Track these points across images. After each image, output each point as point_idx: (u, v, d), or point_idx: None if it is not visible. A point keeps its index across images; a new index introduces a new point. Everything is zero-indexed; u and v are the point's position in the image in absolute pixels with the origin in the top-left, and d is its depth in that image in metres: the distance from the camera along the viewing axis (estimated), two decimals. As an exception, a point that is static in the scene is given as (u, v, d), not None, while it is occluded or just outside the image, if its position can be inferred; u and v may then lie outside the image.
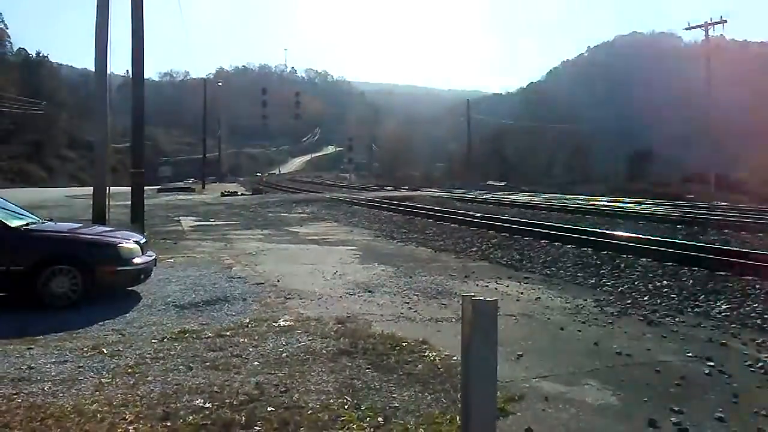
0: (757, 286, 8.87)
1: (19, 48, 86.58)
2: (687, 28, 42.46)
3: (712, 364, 5.41)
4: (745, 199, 38.23)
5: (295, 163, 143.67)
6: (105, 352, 5.61)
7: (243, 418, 4.07)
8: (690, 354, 5.73)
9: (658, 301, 8.32)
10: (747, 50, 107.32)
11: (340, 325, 6.59)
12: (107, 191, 13.97)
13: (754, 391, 4.79)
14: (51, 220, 10.35)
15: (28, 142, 72.15)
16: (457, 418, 3.77)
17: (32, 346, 5.78)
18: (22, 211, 8.87)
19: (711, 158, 40.11)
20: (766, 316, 7.31)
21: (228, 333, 6.30)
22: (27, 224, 8.29)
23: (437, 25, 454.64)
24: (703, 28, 40.62)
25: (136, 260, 8.26)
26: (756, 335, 6.50)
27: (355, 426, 3.99)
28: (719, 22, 39.96)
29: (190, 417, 4.09)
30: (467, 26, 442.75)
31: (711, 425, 4.13)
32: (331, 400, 4.42)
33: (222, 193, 43.71)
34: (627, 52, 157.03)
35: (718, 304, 8.05)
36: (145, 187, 17.50)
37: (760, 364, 5.43)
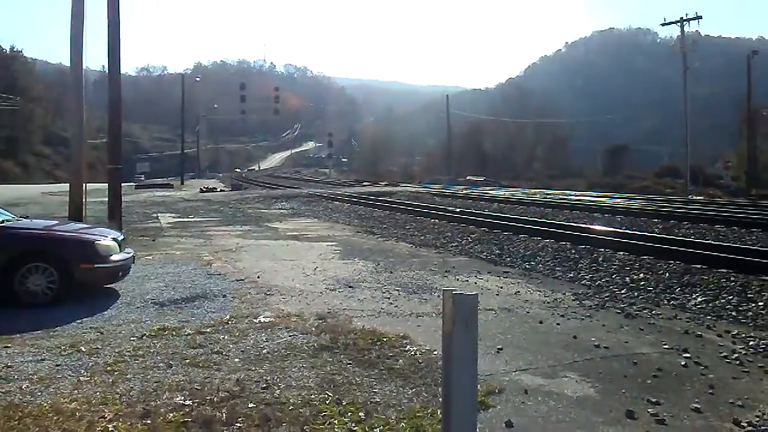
0: (732, 279, 9.01)
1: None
2: (663, 24, 42.91)
3: (688, 355, 5.49)
4: (719, 193, 38.82)
5: (275, 159, 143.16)
6: (83, 350, 5.55)
7: (224, 414, 4.06)
8: (666, 346, 5.81)
9: (635, 294, 8.42)
10: (722, 46, 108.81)
11: (320, 321, 6.59)
12: (84, 188, 13.80)
13: (729, 382, 4.87)
14: (26, 217, 10.20)
15: (2, 138, 71.01)
16: (438, 412, 3.79)
17: (9, 345, 5.71)
18: (-3, 209, 8.74)
19: (686, 152, 40.51)
20: (740, 308, 7.44)
21: (208, 330, 6.26)
22: (2, 221, 8.17)
23: (417, 22, 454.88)
24: (679, 24, 41.07)
25: (114, 257, 8.17)
26: (731, 327, 6.61)
27: (336, 421, 3.99)
28: (695, 18, 40.41)
29: (171, 414, 4.07)
30: (447, 23, 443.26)
31: (688, 416, 4.19)
32: (313, 396, 4.42)
33: (201, 189, 43.42)
34: (604, 48, 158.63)
35: (694, 296, 8.18)
36: (123, 184, 17.30)
37: (735, 355, 5.52)
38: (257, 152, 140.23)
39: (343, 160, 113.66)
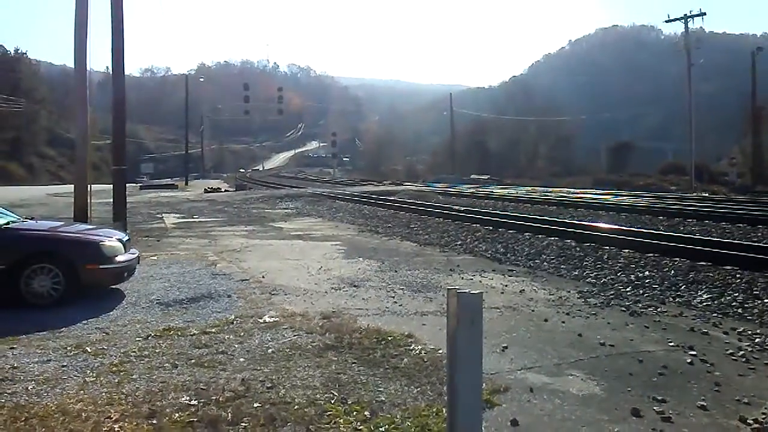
0: (738, 276, 8.98)
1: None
2: (667, 21, 42.88)
3: (694, 353, 5.47)
4: (724, 189, 38.72)
5: (279, 159, 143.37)
6: (89, 350, 5.57)
7: (229, 414, 4.06)
8: (672, 343, 5.80)
9: (641, 291, 8.39)
10: (726, 42, 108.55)
11: (325, 320, 6.59)
12: (89, 189, 13.84)
13: (735, 379, 4.85)
14: (32, 218, 10.24)
15: (7, 140, 71.26)
16: (444, 411, 3.79)
17: (15, 346, 5.73)
18: (2, 210, 8.76)
19: (690, 149, 40.42)
20: (746, 306, 7.41)
21: (213, 330, 6.27)
22: (7, 223, 8.19)
23: (420, 21, 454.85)
24: (683, 20, 40.97)
25: (119, 258, 8.19)
26: (737, 324, 6.58)
27: (341, 420, 3.99)
28: (698, 15, 40.35)
29: (176, 414, 4.07)
30: (450, 22, 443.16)
31: (693, 413, 4.18)
32: (318, 395, 4.42)
33: (205, 189, 43.52)
34: (608, 45, 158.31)
35: (700, 293, 8.14)
36: (127, 185, 17.34)
37: (741, 352, 5.50)
38: (261, 152, 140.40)
39: (345, 159, 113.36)
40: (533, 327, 6.52)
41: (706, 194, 33.12)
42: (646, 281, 9.06)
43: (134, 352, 5.52)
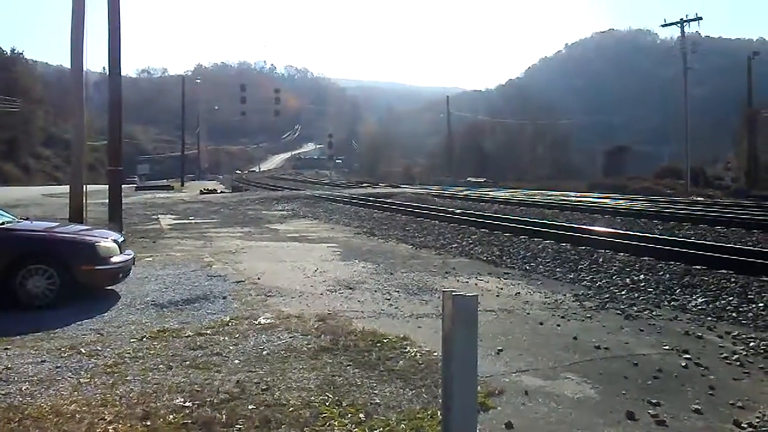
0: (732, 280, 9.00)
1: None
2: (663, 25, 43.08)
3: (688, 356, 5.48)
4: (719, 194, 38.83)
5: (275, 161, 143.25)
6: (83, 351, 5.55)
7: (224, 416, 4.05)
8: (667, 347, 5.81)
9: (636, 295, 8.41)
10: (722, 47, 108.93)
11: (321, 322, 6.58)
12: (84, 189, 13.80)
13: (730, 383, 4.86)
14: (27, 218, 10.21)
15: (2, 140, 71.05)
16: (439, 413, 3.79)
17: (9, 347, 5.70)
18: (-3, 210, 8.74)
19: (686, 153, 40.52)
20: (741, 310, 7.43)
21: (208, 331, 6.26)
22: (2, 223, 8.17)
23: (417, 23, 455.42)
24: (679, 25, 41.12)
25: (114, 259, 8.16)
26: (731, 328, 6.60)
27: (336, 422, 3.99)
28: (695, 20, 40.50)
29: (171, 416, 4.06)
30: (447, 24, 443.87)
31: (688, 417, 4.18)
32: (313, 397, 4.41)
33: (201, 190, 43.44)
34: (604, 49, 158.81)
35: (695, 297, 8.16)
36: (123, 186, 17.29)
37: (735, 356, 5.51)
38: (257, 154, 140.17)
39: (338, 161, 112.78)
40: (528, 330, 6.53)
41: (701, 199, 33.20)
42: (642, 285, 9.08)
43: (129, 353, 5.50)
